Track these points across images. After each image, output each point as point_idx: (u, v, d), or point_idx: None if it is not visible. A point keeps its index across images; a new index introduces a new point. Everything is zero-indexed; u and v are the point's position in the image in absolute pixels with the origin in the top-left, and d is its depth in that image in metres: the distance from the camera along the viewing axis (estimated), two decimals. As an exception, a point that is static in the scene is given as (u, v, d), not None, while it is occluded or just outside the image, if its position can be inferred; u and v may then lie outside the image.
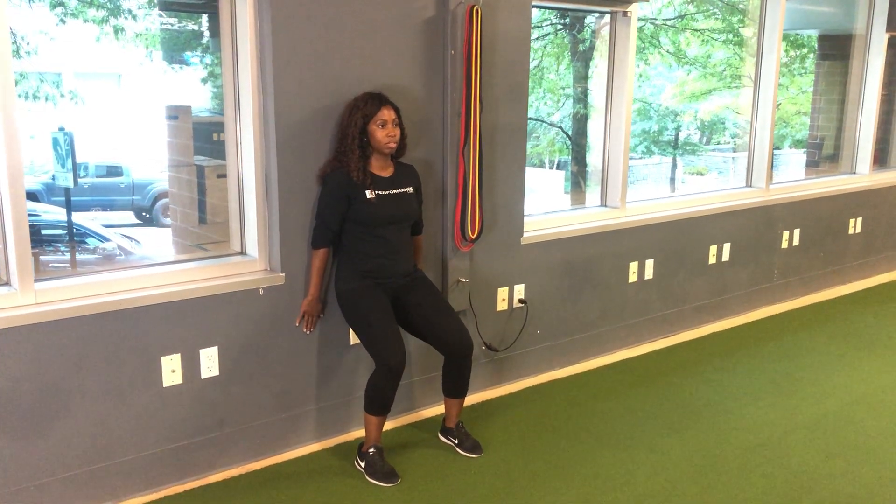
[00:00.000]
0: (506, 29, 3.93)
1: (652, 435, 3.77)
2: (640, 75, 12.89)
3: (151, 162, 7.60)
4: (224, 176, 6.05)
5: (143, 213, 7.73)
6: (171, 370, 3.20)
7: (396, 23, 3.56)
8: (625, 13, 4.63)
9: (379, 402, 3.29)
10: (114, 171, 7.85)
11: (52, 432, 2.96)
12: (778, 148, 14.48)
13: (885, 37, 6.52)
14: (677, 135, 12.75)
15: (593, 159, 4.98)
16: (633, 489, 3.28)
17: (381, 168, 3.41)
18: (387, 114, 3.31)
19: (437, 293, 3.57)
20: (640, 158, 13.12)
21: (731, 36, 12.71)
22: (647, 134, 12.73)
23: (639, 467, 3.46)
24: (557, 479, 3.35)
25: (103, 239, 6.76)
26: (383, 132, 3.31)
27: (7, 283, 2.97)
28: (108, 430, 3.08)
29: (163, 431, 3.22)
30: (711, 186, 7.86)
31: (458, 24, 3.69)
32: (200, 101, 5.93)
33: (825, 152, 7.62)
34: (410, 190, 3.48)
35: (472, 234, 3.88)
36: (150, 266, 3.32)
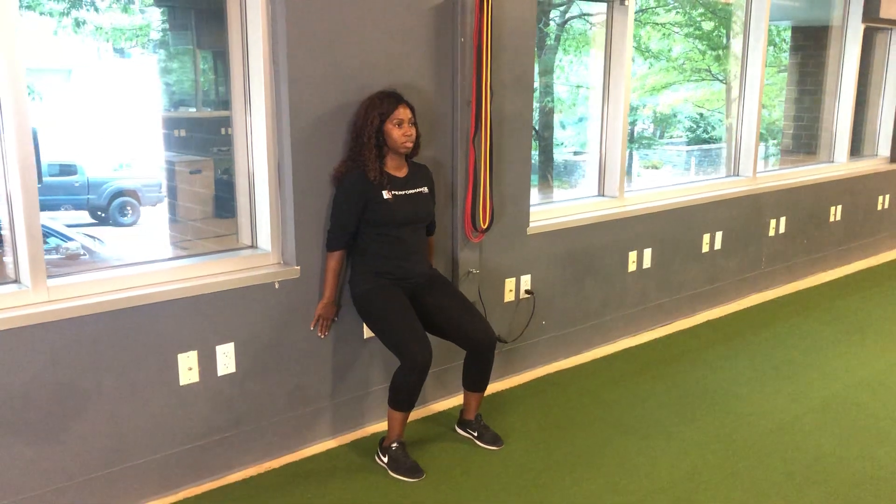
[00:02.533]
0: (512, 16, 3.88)
1: (667, 422, 3.77)
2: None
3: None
4: (198, 172, 5.90)
5: (99, 213, 7.54)
6: (188, 368, 3.10)
7: (407, 10, 3.49)
8: (622, 2, 4.62)
9: (405, 397, 3.22)
10: (67, 169, 7.65)
11: (68, 434, 2.84)
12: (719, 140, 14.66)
13: (861, 27, 6.63)
14: (633, 129, 12.94)
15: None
16: (658, 477, 3.27)
17: (396, 168, 3.34)
18: (403, 113, 3.25)
19: (456, 290, 3.52)
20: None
21: (692, 30, 12.84)
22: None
23: (660, 455, 3.45)
24: (582, 468, 3.33)
25: (66, 238, 6.58)
26: (400, 131, 3.24)
27: (18, 281, 2.84)
28: (125, 431, 2.97)
29: (179, 431, 3.12)
30: (699, 177, 7.92)
31: (468, 11, 3.64)
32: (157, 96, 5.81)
33: (784, 145, 7.75)
34: (425, 190, 3.43)
35: (483, 224, 3.83)
36: (161, 261, 3.21)
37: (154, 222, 7.55)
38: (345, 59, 3.32)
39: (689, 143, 14.91)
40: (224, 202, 5.44)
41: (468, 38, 3.66)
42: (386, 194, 3.26)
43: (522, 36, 3.96)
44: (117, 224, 7.55)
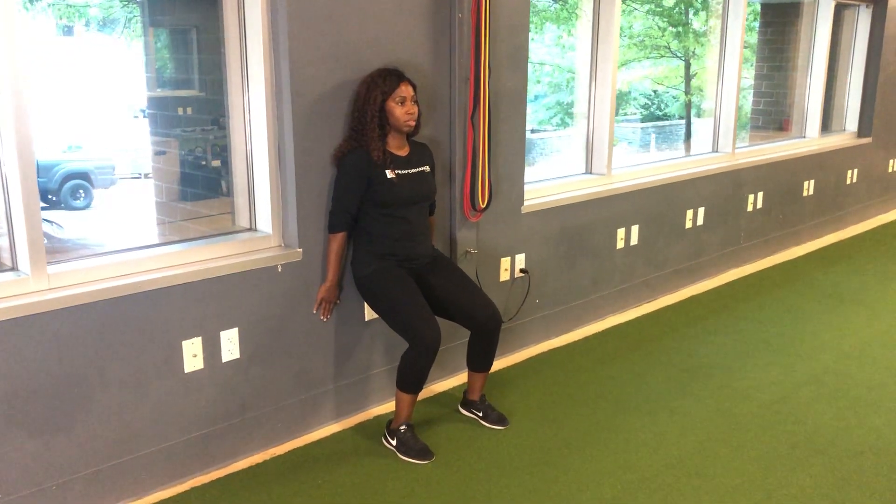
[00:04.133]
0: (507, -8, 3.84)
1: (667, 397, 3.80)
2: (563, 47, 12.95)
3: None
4: (162, 153, 5.75)
5: (50, 196, 7.33)
6: (193, 355, 3.02)
7: (406, -15, 3.42)
8: (610, -22, 4.60)
9: (414, 379, 3.19)
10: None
11: (73, 426, 2.75)
12: (681, 117, 14.82)
13: (832, 3, 6.71)
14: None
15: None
16: (667, 452, 3.29)
17: (398, 147, 3.28)
18: (405, 90, 3.18)
19: (460, 271, 3.48)
20: (555, 130, 13.22)
21: (653, 6, 12.87)
22: (561, 106, 12.83)
23: (666, 430, 3.48)
24: (590, 446, 3.34)
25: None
26: (403, 109, 3.18)
27: (15, 269, 2.72)
28: (130, 421, 2.89)
29: (185, 420, 3.04)
30: (681, 153, 7.97)
31: (466, -14, 3.58)
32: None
33: (753, 121, 7.84)
34: (427, 169, 3.37)
35: (482, 203, 3.79)
36: (160, 246, 3.12)
37: (109, 206, 7.36)
38: (345, 35, 3.24)
39: (642, 120, 15.00)
40: (192, 183, 5.30)
41: (466, 13, 3.61)
42: (389, 174, 3.20)
43: (518, 12, 3.91)
44: (69, 207, 7.35)
